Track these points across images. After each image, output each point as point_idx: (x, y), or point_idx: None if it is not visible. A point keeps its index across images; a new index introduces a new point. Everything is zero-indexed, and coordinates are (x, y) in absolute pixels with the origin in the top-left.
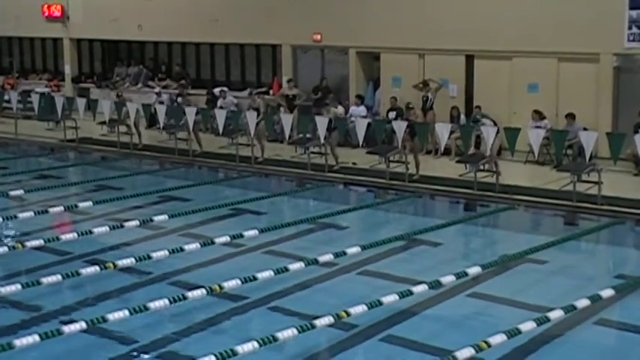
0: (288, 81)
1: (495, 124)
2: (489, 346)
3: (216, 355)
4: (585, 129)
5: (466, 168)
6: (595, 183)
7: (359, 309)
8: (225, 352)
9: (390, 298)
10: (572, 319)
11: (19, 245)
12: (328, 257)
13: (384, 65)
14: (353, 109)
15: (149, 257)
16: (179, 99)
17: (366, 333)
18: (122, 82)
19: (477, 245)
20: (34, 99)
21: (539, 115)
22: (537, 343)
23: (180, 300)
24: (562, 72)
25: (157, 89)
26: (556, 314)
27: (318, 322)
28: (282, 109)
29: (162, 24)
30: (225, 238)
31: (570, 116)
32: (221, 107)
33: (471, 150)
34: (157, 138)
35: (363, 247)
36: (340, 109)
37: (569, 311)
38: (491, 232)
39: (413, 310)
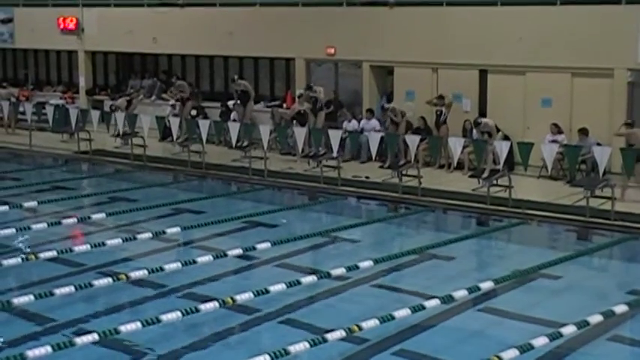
0: (299, 97)
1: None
2: None
3: None
4: (599, 144)
5: (479, 182)
6: (608, 198)
7: (371, 323)
8: None
9: (402, 313)
10: (585, 335)
11: (33, 256)
12: (340, 271)
13: (398, 79)
14: (364, 122)
15: (162, 269)
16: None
17: (378, 347)
18: (136, 94)
19: (489, 260)
20: (49, 111)
21: (557, 128)
22: (549, 358)
23: (192, 312)
24: (576, 87)
25: (172, 102)
26: (569, 330)
27: (329, 336)
28: (294, 122)
29: (177, 37)
30: (238, 251)
31: (582, 132)
32: (234, 120)
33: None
34: (170, 150)
35: (376, 261)
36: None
37: (582, 327)
38: (504, 247)
39: (425, 324)
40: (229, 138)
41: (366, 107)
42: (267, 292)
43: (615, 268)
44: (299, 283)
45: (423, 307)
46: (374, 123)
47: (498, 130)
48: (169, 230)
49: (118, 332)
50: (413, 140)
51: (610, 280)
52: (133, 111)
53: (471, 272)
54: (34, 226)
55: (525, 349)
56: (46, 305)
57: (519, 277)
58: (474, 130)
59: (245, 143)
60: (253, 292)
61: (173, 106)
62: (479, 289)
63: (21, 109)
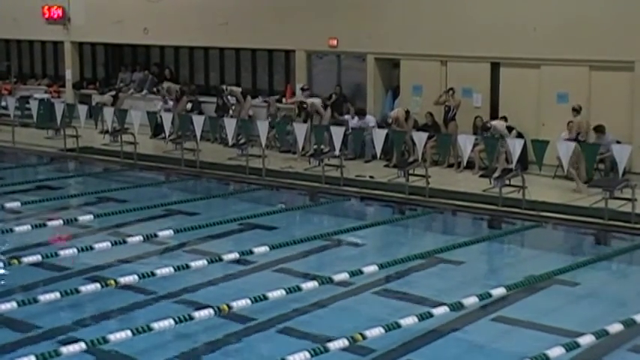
0: (302, 89)
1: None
2: None
3: None
4: (618, 142)
5: (490, 182)
6: (629, 200)
7: (375, 332)
8: None
9: (408, 321)
10: (604, 345)
11: (16, 261)
12: (343, 276)
13: (404, 73)
14: (360, 122)
15: (153, 274)
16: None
17: (383, 357)
18: (126, 88)
19: (501, 265)
20: (33, 105)
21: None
22: None
23: (185, 320)
24: (594, 81)
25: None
26: (586, 339)
27: (331, 345)
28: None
29: (169, 27)
30: (234, 255)
31: (599, 129)
32: (231, 116)
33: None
34: (162, 148)
35: (381, 266)
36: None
37: (600, 336)
38: (517, 251)
39: (433, 333)
40: (225, 135)
41: (371, 102)
42: (266, 298)
43: (636, 274)
44: (299, 289)
45: (431, 315)
46: (368, 119)
47: (512, 129)
48: (161, 233)
49: (106, 341)
50: (420, 138)
51: (630, 286)
52: (120, 106)
53: (481, 278)
54: (17, 229)
55: (540, 359)
56: (30, 312)
57: (533, 284)
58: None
59: (242, 140)
60: (250, 299)
61: (165, 100)
62: (490, 295)
63: (3, 103)
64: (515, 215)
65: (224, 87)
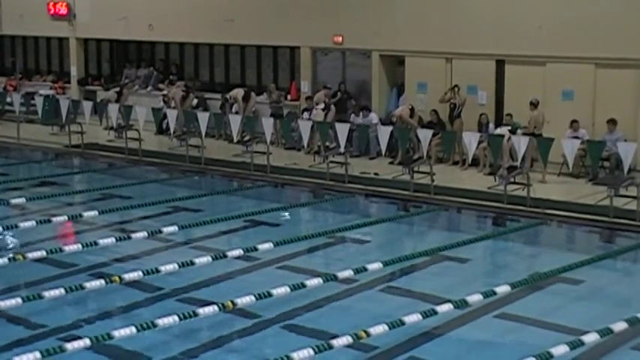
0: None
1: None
2: None
3: None
4: (624, 140)
5: (495, 180)
6: (634, 198)
7: (379, 329)
8: None
9: (412, 318)
10: (608, 344)
11: (20, 257)
12: (347, 273)
13: (409, 70)
14: (363, 120)
15: (157, 271)
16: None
17: (387, 354)
18: (131, 84)
19: (506, 262)
20: (38, 102)
21: (577, 124)
22: None
23: (190, 317)
24: (599, 79)
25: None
26: (591, 337)
27: (335, 342)
28: (305, 114)
29: (174, 23)
30: (239, 252)
31: (612, 122)
32: (236, 112)
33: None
34: (167, 144)
35: (385, 263)
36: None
37: (605, 335)
38: (522, 249)
39: (437, 330)
40: (230, 131)
41: (376, 99)
42: (270, 295)
43: None
44: (303, 286)
45: (435, 313)
46: (372, 117)
47: (517, 128)
48: (166, 229)
49: (111, 337)
50: (425, 135)
51: (635, 284)
52: (124, 102)
53: (486, 275)
54: (22, 224)
55: (544, 357)
56: (35, 309)
57: (538, 281)
58: (490, 125)
59: (247, 137)
60: (255, 296)
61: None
62: (494, 293)
63: (8, 99)
64: (519, 213)
65: (227, 96)
